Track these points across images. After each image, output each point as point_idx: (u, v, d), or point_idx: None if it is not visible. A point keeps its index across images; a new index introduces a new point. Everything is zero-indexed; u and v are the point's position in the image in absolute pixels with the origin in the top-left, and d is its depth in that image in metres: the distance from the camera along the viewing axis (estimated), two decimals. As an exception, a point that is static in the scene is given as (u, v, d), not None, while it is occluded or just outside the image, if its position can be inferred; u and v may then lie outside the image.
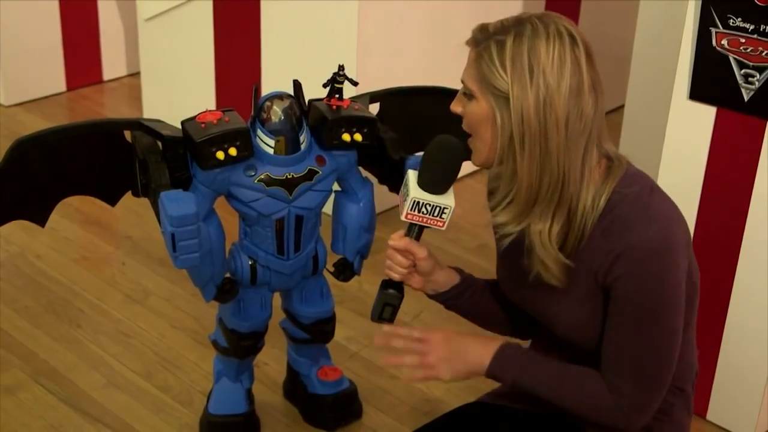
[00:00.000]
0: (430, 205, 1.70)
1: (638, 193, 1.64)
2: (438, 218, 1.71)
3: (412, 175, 1.72)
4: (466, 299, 1.89)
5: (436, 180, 1.71)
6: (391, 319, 1.80)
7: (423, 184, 1.70)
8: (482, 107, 1.62)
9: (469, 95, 1.64)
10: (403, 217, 1.72)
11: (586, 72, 1.58)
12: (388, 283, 1.80)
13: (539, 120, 1.56)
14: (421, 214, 1.71)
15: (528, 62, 1.56)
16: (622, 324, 1.65)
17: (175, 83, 3.87)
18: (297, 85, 2.04)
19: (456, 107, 1.69)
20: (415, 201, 1.70)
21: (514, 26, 1.60)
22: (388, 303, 1.79)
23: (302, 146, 2.00)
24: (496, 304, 1.91)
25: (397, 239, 1.77)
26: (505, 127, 1.59)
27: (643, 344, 1.65)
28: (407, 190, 1.71)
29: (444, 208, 1.71)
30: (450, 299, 1.88)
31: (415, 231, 1.76)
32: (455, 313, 1.92)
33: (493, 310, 1.92)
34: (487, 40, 1.61)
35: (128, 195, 2.10)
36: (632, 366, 1.66)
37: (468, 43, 1.65)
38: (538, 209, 1.62)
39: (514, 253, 1.74)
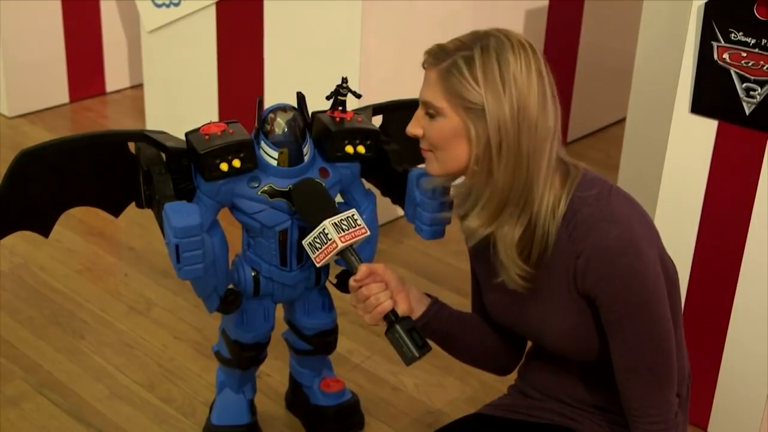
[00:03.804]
0: (344, 219, 1.80)
1: (597, 196, 1.66)
2: (359, 227, 1.80)
3: (311, 235, 1.80)
4: (445, 320, 1.85)
5: (323, 208, 1.85)
6: (427, 344, 1.75)
7: (322, 217, 1.80)
8: (452, 123, 1.63)
9: (433, 114, 1.65)
10: (342, 244, 1.77)
11: (547, 80, 1.63)
12: (390, 320, 1.75)
13: (515, 126, 1.59)
14: (349, 231, 1.78)
15: (499, 72, 1.59)
16: (621, 328, 1.65)
17: (178, 95, 3.88)
18: (300, 97, 2.05)
19: (415, 129, 1.70)
20: (333, 224, 1.78)
21: (478, 40, 1.62)
22: (410, 330, 1.74)
23: (305, 158, 2.01)
24: (471, 332, 1.90)
25: (354, 277, 1.76)
26: (480, 137, 1.61)
27: (646, 340, 1.65)
28: (323, 234, 1.79)
29: (353, 215, 1.81)
30: (431, 318, 1.83)
31: (353, 257, 1.78)
32: (432, 341, 1.86)
33: (468, 337, 1.90)
34: (450, 57, 1.62)
35: (132, 206, 2.11)
36: (647, 368, 1.67)
37: (427, 63, 1.66)
38: (507, 212, 1.65)
39: (497, 273, 1.75)
